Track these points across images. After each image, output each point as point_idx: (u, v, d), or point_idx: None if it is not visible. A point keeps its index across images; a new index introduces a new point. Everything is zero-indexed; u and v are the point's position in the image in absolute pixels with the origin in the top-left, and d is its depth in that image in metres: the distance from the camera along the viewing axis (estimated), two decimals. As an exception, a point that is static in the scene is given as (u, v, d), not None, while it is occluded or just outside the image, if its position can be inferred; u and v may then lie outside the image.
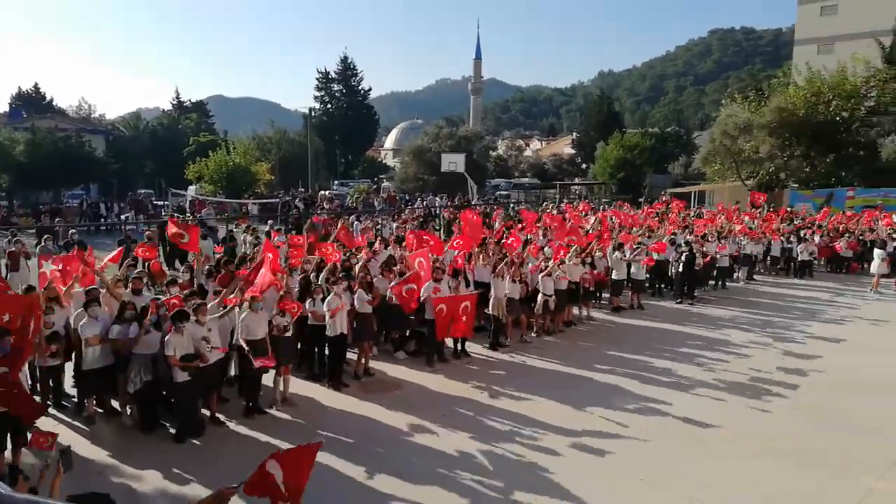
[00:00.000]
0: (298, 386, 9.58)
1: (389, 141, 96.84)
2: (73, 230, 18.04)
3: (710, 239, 17.98)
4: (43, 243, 15.27)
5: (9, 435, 6.65)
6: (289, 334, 9.02)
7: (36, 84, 68.96)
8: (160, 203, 38.68)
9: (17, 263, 14.36)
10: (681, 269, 16.17)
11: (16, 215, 31.58)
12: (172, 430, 7.98)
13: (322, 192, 41.06)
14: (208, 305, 8.37)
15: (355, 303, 10.03)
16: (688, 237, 18.08)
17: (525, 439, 8.00)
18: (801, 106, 31.32)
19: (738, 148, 32.80)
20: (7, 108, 59.46)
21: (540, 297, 12.51)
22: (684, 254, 16.06)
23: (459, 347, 11.47)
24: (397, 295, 10.71)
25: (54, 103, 68.05)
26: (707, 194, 39.69)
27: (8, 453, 6.71)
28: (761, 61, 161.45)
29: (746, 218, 22.61)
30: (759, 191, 30.41)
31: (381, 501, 6.54)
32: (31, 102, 63.55)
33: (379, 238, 15.62)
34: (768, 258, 20.88)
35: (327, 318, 9.50)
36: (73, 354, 8.64)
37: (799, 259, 20.34)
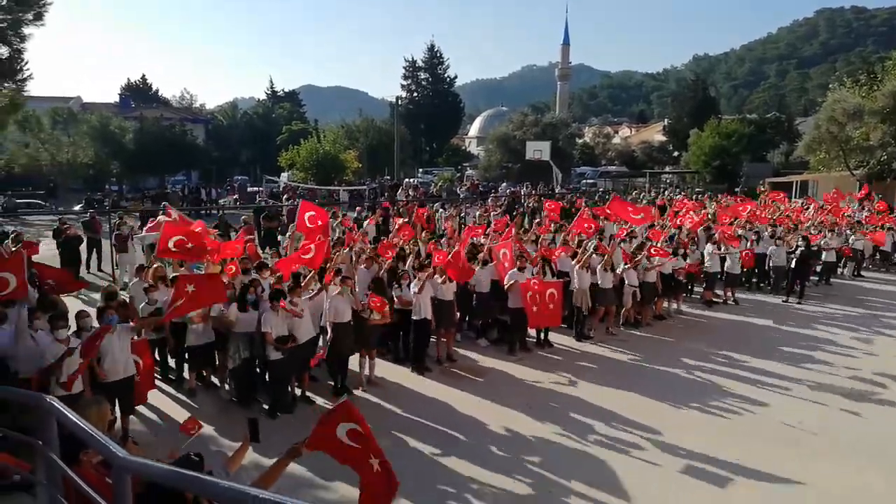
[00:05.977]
0: (384, 368, 9.81)
1: (474, 129, 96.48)
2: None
3: (811, 232, 16.93)
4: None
5: (117, 401, 7.15)
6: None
7: (143, 76, 73.49)
8: (255, 189, 40.32)
9: (124, 245, 15.37)
10: (794, 266, 14.92)
11: (125, 199, 33.82)
12: (266, 406, 8.36)
13: (407, 179, 41.60)
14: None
15: (435, 288, 10.08)
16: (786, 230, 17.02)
17: (608, 433, 7.85)
18: (918, 90, 28.85)
19: (847, 135, 30.56)
20: (118, 99, 63.42)
21: (626, 288, 12.20)
22: (799, 249, 14.88)
23: (543, 337, 11.39)
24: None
25: (160, 94, 72.26)
26: (810, 184, 37.36)
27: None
28: (874, 43, 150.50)
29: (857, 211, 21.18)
30: (869, 181, 28.33)
31: (458, 485, 6.60)
32: (138, 93, 67.62)
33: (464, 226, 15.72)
34: (877, 253, 19.45)
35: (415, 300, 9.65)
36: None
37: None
